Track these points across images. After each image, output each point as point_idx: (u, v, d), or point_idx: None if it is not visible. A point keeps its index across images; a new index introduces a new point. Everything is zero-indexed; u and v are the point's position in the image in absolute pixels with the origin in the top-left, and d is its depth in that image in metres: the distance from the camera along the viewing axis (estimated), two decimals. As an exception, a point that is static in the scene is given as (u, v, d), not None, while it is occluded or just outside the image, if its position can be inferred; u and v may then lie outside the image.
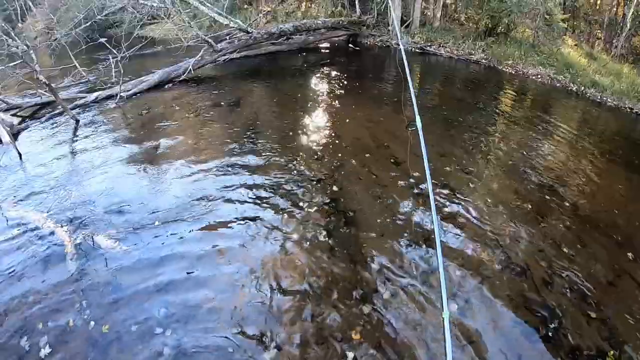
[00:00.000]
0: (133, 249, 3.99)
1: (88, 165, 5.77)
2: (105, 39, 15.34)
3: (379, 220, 4.44)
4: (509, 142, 6.74)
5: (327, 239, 4.15)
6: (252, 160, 5.75)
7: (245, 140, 6.39)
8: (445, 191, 5.05)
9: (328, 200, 4.79)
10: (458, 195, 4.96)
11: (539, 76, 10.96)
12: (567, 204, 4.99)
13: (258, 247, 4.04)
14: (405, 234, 4.22)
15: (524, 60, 11.53)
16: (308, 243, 4.10)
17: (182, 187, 5.08)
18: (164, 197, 4.87)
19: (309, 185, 5.10)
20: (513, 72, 11.41)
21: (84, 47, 10.47)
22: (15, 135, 6.85)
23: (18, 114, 7.92)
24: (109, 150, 6.22)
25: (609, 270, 3.96)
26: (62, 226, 4.34)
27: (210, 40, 9.84)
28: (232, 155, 5.87)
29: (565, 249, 4.17)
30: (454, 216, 4.57)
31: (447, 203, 4.82)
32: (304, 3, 17.13)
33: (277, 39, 12.04)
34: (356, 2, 14.87)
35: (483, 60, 12.20)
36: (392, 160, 5.71)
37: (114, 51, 8.84)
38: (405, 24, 14.19)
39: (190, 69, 9.36)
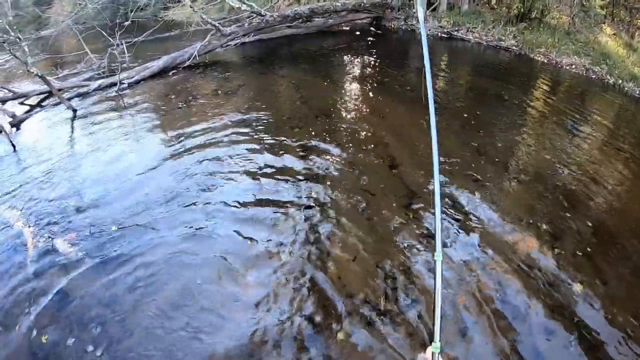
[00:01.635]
0: (86, 256, 3.79)
1: (76, 159, 5.69)
2: (128, 22, 15.33)
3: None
4: (532, 143, 6.14)
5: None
6: (241, 158, 5.43)
7: (232, 134, 6.07)
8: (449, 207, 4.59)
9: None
10: (460, 211, 4.46)
11: (574, 66, 10.25)
12: (589, 224, 4.33)
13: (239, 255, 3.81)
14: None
15: (558, 49, 10.79)
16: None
17: (161, 187, 4.85)
18: (139, 198, 4.66)
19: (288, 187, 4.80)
20: (545, 61, 10.66)
21: (99, 30, 10.29)
22: (17, 125, 6.88)
23: (25, 102, 7.92)
24: (100, 143, 6.09)
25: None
26: (29, 226, 4.23)
27: (217, 24, 9.54)
28: (218, 155, 5.52)
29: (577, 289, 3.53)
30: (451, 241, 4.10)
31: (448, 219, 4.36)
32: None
33: (292, 21, 11.61)
34: (380, -17, 14.27)
35: (514, 47, 11.47)
36: (387, 163, 5.32)
37: (110, 40, 8.67)
38: (432, 7, 13.54)
39: (195, 55, 9.11)
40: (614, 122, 7.35)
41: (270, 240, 3.95)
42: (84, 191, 4.86)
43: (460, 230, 4.15)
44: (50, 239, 4.02)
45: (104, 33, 8.92)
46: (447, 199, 4.60)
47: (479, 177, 5.06)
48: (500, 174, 5.21)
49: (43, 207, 4.58)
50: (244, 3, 10.32)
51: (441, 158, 5.37)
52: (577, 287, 3.51)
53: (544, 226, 4.25)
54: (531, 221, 4.32)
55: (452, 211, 4.43)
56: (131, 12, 17.22)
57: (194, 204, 4.51)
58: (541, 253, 3.89)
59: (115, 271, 3.62)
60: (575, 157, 5.73)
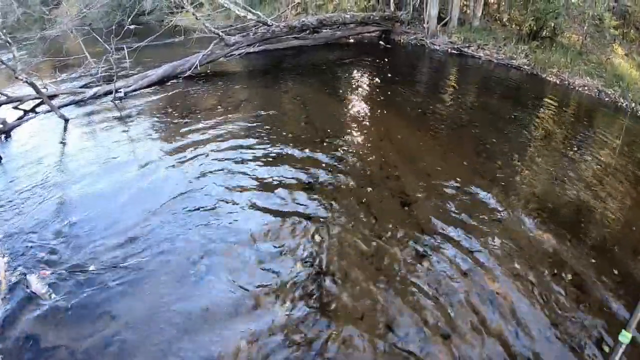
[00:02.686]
0: (60, 299, 3.41)
1: (63, 175, 5.36)
2: (134, 26, 15.22)
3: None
4: (540, 173, 5.74)
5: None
6: (234, 191, 4.96)
7: (228, 160, 5.63)
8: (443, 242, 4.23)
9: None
10: (454, 247, 4.09)
11: (586, 88, 9.94)
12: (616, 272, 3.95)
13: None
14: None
15: (570, 69, 10.50)
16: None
17: (149, 213, 4.51)
18: (126, 226, 4.29)
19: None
20: (557, 82, 10.35)
21: (102, 33, 10.12)
22: (7, 132, 6.59)
23: (19, 107, 7.68)
24: (90, 157, 5.79)
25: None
26: (3, 255, 3.88)
27: (220, 32, 9.30)
28: (211, 187, 5.02)
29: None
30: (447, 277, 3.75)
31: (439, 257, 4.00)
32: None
33: (298, 32, 11.37)
34: (390, -3, 14.10)
35: (525, 66, 11.18)
36: (399, 199, 4.88)
37: (106, 47, 8.42)
38: (443, 22, 13.33)
39: (197, 64, 8.87)
40: (626, 150, 6.83)
41: (263, 294, 3.53)
42: (66, 215, 4.51)
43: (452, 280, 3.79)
44: (23, 274, 3.66)
45: (102, 38, 8.60)
46: (449, 242, 4.24)
47: (487, 213, 4.72)
48: (512, 209, 4.82)
49: (20, 233, 4.23)
50: (250, 12, 10.12)
51: (447, 189, 5.08)
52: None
53: (569, 276, 3.87)
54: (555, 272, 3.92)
55: (452, 256, 4.08)
56: (137, 16, 17.28)
57: (185, 241, 4.12)
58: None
59: (88, 323, 3.22)
60: (579, 190, 5.37)
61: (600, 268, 3.97)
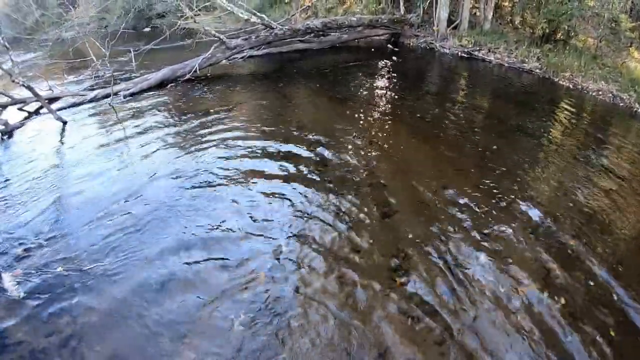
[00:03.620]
0: (28, 297, 3.47)
1: (55, 177, 5.36)
2: (148, 29, 15.34)
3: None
4: (547, 184, 5.40)
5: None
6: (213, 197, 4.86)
7: (213, 165, 5.52)
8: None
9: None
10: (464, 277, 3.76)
11: (600, 92, 9.59)
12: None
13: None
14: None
15: (584, 73, 10.15)
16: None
17: (135, 218, 4.44)
18: (108, 231, 4.25)
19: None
20: (571, 86, 10.00)
21: (115, 36, 10.16)
22: (9, 134, 6.67)
23: (24, 108, 7.71)
24: (84, 160, 5.77)
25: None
26: None
27: (221, 36, 9.25)
28: (197, 191, 4.94)
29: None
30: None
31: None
32: (348, -1, 16.21)
33: (303, 36, 11.27)
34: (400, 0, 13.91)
35: (537, 70, 10.85)
36: (381, 210, 4.70)
37: (104, 51, 8.40)
38: (453, 25, 13.08)
39: (196, 68, 8.82)
40: None
41: (221, 309, 3.39)
42: (50, 218, 4.51)
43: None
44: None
45: (115, 41, 8.65)
46: (446, 255, 4.01)
47: (489, 230, 4.40)
48: (516, 228, 4.44)
49: (1, 233, 4.28)
50: (254, 15, 10.02)
51: (444, 204, 4.79)
52: None
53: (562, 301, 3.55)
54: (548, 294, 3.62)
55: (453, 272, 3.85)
56: (151, 19, 17.45)
57: (159, 252, 4.00)
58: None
59: (50, 322, 3.27)
60: (590, 208, 4.94)
61: (603, 298, 3.64)
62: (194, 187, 5.02)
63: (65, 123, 6.92)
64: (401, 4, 13.91)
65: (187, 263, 3.83)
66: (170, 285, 3.60)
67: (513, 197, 5.01)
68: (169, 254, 3.94)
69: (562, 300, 3.54)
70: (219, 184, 5.10)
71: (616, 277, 3.85)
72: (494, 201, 4.88)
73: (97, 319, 3.28)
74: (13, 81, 6.61)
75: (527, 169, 5.80)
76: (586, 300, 3.56)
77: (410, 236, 4.23)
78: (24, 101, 7.76)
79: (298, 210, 4.61)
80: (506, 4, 13.56)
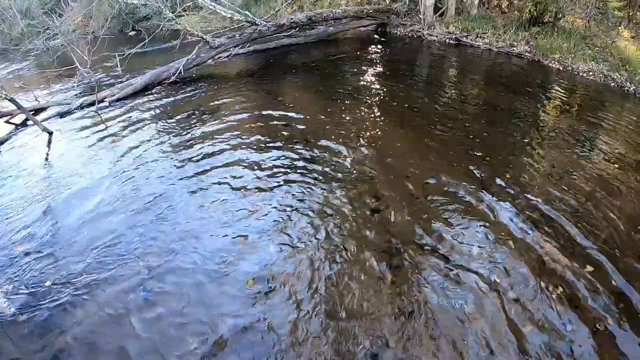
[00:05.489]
0: (18, 313, 3.44)
1: (41, 189, 5.26)
2: (134, 32, 15.17)
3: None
4: (539, 171, 5.29)
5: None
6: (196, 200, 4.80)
7: (195, 169, 5.42)
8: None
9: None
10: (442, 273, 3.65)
11: (591, 73, 9.49)
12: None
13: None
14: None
15: (574, 55, 10.05)
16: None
17: (119, 229, 4.39)
18: (95, 243, 4.19)
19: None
20: (561, 68, 9.93)
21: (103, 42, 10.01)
22: None
23: (10, 121, 7.58)
24: (71, 170, 5.67)
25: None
26: None
27: (204, 35, 9.14)
28: (177, 198, 4.83)
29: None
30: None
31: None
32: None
33: (288, 30, 11.13)
34: (386, -11, 13.77)
35: (526, 54, 10.74)
36: (369, 205, 4.60)
37: (108, 53, 8.27)
38: (440, 12, 12.95)
39: (181, 70, 8.70)
40: (635, 138, 6.48)
41: (209, 315, 3.36)
42: (38, 230, 4.46)
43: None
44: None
45: (102, 47, 8.50)
46: (438, 249, 3.96)
47: (482, 220, 4.33)
48: (510, 217, 4.38)
49: None
50: (238, 12, 9.88)
51: (435, 195, 4.73)
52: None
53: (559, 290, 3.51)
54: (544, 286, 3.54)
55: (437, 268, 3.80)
56: (137, 22, 17.24)
57: (145, 264, 3.93)
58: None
59: (39, 336, 3.24)
60: (584, 192, 4.88)
61: (598, 282, 3.59)
62: (182, 192, 4.96)
63: (51, 133, 6.80)
64: (387, -7, 13.78)
65: (175, 272, 3.78)
66: (159, 296, 3.55)
67: (505, 184, 4.96)
68: (158, 265, 3.88)
69: (559, 289, 3.51)
70: (207, 186, 5.05)
71: (613, 260, 3.81)
72: (486, 190, 4.83)
73: (87, 332, 3.25)
74: (-7, 92, 6.50)
75: (519, 154, 5.75)
76: (584, 288, 3.52)
77: (400, 230, 4.18)
78: (10, 114, 7.62)
79: (285, 207, 4.56)
80: (492, -12, 13.43)
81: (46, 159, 6.18)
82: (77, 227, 4.47)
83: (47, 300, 3.54)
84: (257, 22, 9.93)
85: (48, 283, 3.72)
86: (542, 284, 3.55)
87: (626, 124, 6.97)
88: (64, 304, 3.50)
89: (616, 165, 5.56)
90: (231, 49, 9.80)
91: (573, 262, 3.79)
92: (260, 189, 4.92)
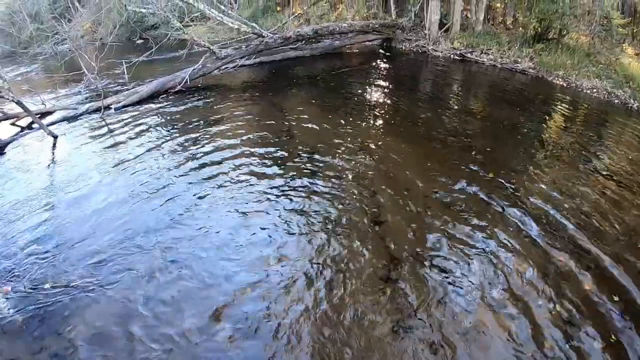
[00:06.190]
0: (16, 313, 3.46)
1: (45, 193, 5.30)
2: (141, 40, 15.35)
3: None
4: (541, 188, 5.19)
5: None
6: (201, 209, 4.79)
7: (199, 179, 5.44)
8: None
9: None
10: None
11: (595, 90, 9.51)
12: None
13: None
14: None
15: (578, 71, 10.12)
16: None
17: (122, 236, 4.39)
18: (96, 248, 4.20)
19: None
20: (565, 85, 9.97)
21: (111, 49, 10.13)
22: (1, 149, 6.64)
23: (16, 123, 7.67)
24: (74, 175, 5.71)
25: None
26: None
27: (211, 46, 9.25)
28: (180, 209, 4.80)
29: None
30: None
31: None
32: (340, 5, 16.22)
33: (294, 43, 11.27)
34: (391, 4, 13.91)
35: (530, 70, 10.81)
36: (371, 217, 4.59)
37: (114, 60, 8.39)
38: (445, 28, 13.07)
39: (187, 79, 8.78)
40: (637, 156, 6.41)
41: (209, 325, 3.34)
42: (40, 234, 4.48)
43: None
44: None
45: (110, 53, 8.63)
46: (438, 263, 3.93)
47: (482, 236, 4.29)
48: (511, 233, 4.33)
49: None
50: (245, 24, 10.01)
51: (436, 209, 4.69)
52: None
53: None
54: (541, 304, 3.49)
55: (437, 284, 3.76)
56: (145, 30, 17.47)
57: (146, 267, 3.94)
58: None
59: (37, 338, 3.24)
60: (585, 211, 4.78)
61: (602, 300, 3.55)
62: (185, 201, 4.97)
63: (56, 137, 6.87)
64: (392, 8, 13.94)
65: (174, 280, 3.77)
66: (159, 304, 3.53)
67: (507, 200, 4.93)
68: (159, 271, 3.88)
69: (563, 305, 3.46)
70: (210, 196, 5.05)
71: (610, 284, 3.75)
72: (487, 205, 4.80)
73: (85, 336, 3.24)
74: (2, 97, 6.56)
75: (522, 170, 5.72)
76: (586, 310, 3.46)
77: (400, 244, 4.16)
78: (16, 116, 7.73)
79: (287, 220, 4.55)
80: (498, 5, 13.55)
81: (51, 162, 6.23)
82: (78, 229, 4.50)
83: (46, 303, 3.54)
84: (263, 34, 10.05)
85: (48, 285, 3.73)
86: (544, 299, 3.52)
87: (628, 141, 6.94)
88: (63, 307, 3.51)
89: (618, 182, 5.51)
90: (237, 60, 9.90)
91: (576, 277, 3.76)
92: (262, 199, 4.93)
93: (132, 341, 3.18)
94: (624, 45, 11.14)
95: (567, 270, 3.85)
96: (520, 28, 12.46)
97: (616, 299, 3.53)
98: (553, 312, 3.40)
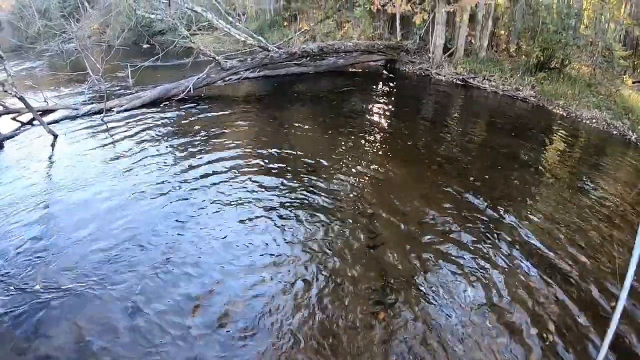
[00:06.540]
0: (3, 314, 3.41)
1: (41, 191, 5.28)
2: (148, 45, 15.45)
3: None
4: (538, 218, 5.13)
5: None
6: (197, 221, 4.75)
7: (197, 188, 5.43)
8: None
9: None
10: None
11: (594, 120, 9.62)
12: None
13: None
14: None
15: (578, 101, 10.22)
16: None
17: (114, 239, 4.37)
18: (88, 251, 4.16)
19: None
20: (564, 114, 10.02)
21: (118, 51, 10.21)
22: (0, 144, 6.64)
23: (17, 118, 7.68)
24: (72, 175, 5.72)
25: None
26: None
27: (217, 56, 9.34)
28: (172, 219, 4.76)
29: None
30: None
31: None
32: (346, 24, 16.43)
33: (299, 59, 11.39)
34: (397, 26, 14.10)
35: (531, 98, 10.88)
36: (366, 240, 4.50)
37: (119, 63, 8.46)
38: (449, 52, 13.24)
39: (190, 88, 8.85)
40: (632, 188, 6.33)
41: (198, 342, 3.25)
42: (31, 233, 4.45)
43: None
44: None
45: (117, 56, 8.71)
46: (433, 290, 3.87)
47: (478, 263, 4.25)
48: (507, 262, 4.27)
49: None
50: (251, 37, 10.11)
51: (432, 235, 4.64)
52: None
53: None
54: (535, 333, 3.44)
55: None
56: (153, 36, 17.64)
57: (136, 275, 3.88)
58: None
59: (23, 340, 3.18)
60: (579, 246, 4.68)
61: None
62: (179, 210, 4.93)
63: (56, 137, 6.87)
64: (398, 30, 14.12)
65: (163, 292, 3.70)
66: (147, 312, 3.47)
67: (504, 228, 4.90)
68: (149, 279, 3.83)
69: (551, 338, 3.41)
70: (204, 209, 5.00)
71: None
72: (484, 233, 4.76)
73: (72, 339, 3.19)
74: (5, 91, 6.58)
75: (519, 199, 5.69)
76: (579, 341, 3.42)
77: (395, 269, 4.11)
78: (18, 111, 7.75)
79: (282, 239, 4.48)
80: (502, 32, 13.75)
81: (49, 160, 6.22)
82: (72, 229, 4.48)
83: (34, 304, 3.50)
84: (269, 48, 10.15)
85: (37, 286, 3.67)
86: (540, 330, 3.47)
87: (625, 174, 6.96)
88: (52, 309, 3.46)
89: (613, 213, 5.48)
90: (242, 72, 9.98)
91: (570, 307, 3.72)
92: (257, 215, 4.87)
93: (124, 345, 3.14)
94: (624, 76, 11.28)
95: (560, 299, 3.82)
96: (523, 56, 12.60)
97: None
98: (547, 343, 3.36)
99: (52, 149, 6.58)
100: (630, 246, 4.66)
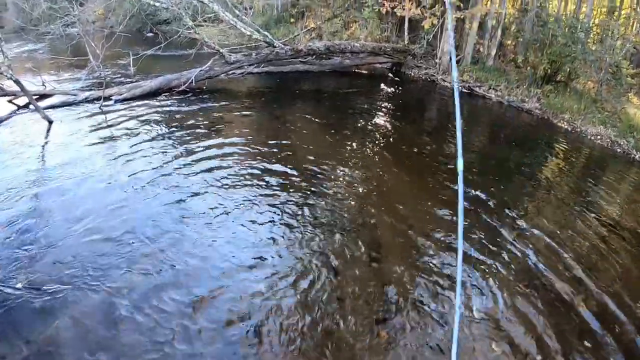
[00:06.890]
0: None
1: (32, 180, 5.09)
2: (152, 34, 15.26)
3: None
4: (539, 233, 5.01)
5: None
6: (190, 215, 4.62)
7: (191, 185, 5.26)
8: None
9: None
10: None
11: (599, 137, 9.53)
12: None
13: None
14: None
15: (584, 116, 10.11)
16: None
17: (107, 232, 4.23)
18: (79, 246, 4.00)
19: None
20: (569, 129, 9.91)
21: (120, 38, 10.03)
22: None
23: (13, 101, 7.51)
24: (65, 163, 5.54)
25: None
26: None
27: (221, 49, 9.20)
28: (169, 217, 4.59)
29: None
30: None
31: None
32: (353, 24, 16.28)
33: (304, 57, 11.23)
34: (405, 29, 13.95)
35: (536, 110, 10.78)
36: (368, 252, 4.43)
37: (121, 49, 8.30)
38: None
39: (192, 80, 8.68)
40: (634, 210, 6.28)
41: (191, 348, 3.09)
42: (18, 226, 4.24)
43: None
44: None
45: (119, 42, 8.55)
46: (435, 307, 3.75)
47: (482, 280, 4.12)
48: (509, 278, 4.17)
49: None
50: (257, 31, 9.95)
51: (436, 249, 4.50)
52: None
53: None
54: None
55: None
56: (157, 24, 17.45)
57: (128, 275, 3.72)
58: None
59: (3, 342, 3.02)
60: (577, 265, 4.56)
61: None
62: (173, 206, 4.79)
63: (51, 122, 6.70)
64: (406, 34, 13.97)
65: (153, 296, 3.53)
66: (131, 318, 3.30)
67: (508, 242, 4.79)
68: (139, 280, 3.68)
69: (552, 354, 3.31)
70: (199, 207, 4.84)
71: (608, 328, 3.62)
72: (487, 248, 4.64)
73: (55, 341, 3.05)
74: (1, 74, 6.41)
75: (522, 213, 5.60)
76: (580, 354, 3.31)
77: (398, 284, 3.97)
78: (14, 94, 7.56)
79: (281, 249, 4.30)
80: (510, 42, 13.63)
81: (41, 147, 6.04)
82: (59, 227, 4.29)
83: (16, 303, 3.34)
84: (275, 44, 10.00)
85: (19, 285, 3.49)
86: (539, 344, 3.38)
87: (628, 192, 6.88)
88: (34, 310, 3.30)
89: (614, 232, 5.40)
90: (246, 67, 9.83)
91: (568, 327, 3.62)
92: (256, 224, 4.66)
93: (125, 343, 3.04)
94: (630, 94, 11.18)
95: (559, 313, 3.73)
96: (530, 67, 12.47)
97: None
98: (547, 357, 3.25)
99: (46, 136, 6.40)
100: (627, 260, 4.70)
